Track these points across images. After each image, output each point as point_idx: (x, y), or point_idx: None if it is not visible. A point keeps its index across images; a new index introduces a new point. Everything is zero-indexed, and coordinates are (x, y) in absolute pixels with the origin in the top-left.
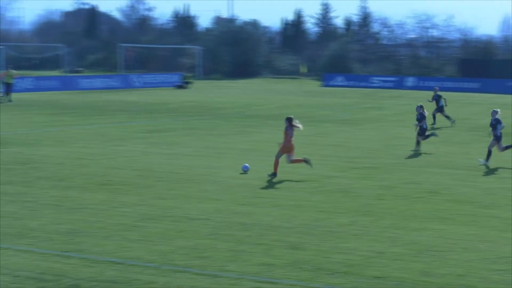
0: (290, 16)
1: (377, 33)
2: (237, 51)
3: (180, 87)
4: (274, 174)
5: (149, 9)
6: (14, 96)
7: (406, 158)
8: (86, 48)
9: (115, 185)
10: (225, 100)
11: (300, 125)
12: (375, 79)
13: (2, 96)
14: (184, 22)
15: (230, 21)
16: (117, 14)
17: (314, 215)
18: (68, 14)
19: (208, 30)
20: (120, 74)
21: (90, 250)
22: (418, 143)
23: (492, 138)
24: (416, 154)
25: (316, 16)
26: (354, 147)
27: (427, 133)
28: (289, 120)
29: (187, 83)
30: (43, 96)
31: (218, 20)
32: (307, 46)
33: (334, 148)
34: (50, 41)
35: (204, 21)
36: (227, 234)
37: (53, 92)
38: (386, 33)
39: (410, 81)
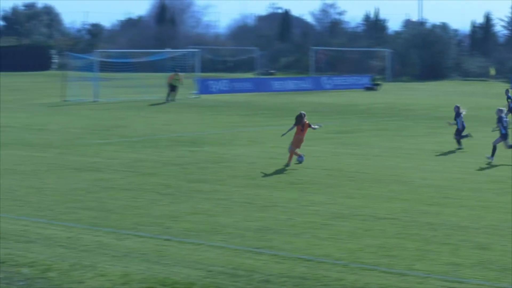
0: (479, 19)
1: None
2: (426, 53)
3: (369, 89)
4: (287, 165)
5: (340, 13)
6: (210, 97)
7: None
8: (278, 51)
9: (305, 184)
10: (414, 102)
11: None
12: None
13: (169, 96)
14: (374, 25)
15: (420, 24)
16: (309, 18)
17: (502, 216)
18: (261, 18)
19: (397, 33)
20: (311, 76)
21: (280, 247)
22: (460, 140)
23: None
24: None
25: (505, 19)
26: None
27: (463, 133)
28: (300, 116)
29: (376, 85)
30: (237, 98)
31: (408, 23)
32: (496, 48)
33: None
34: (244, 44)
35: (393, 24)
36: (414, 233)
37: (247, 94)
38: None
39: None
